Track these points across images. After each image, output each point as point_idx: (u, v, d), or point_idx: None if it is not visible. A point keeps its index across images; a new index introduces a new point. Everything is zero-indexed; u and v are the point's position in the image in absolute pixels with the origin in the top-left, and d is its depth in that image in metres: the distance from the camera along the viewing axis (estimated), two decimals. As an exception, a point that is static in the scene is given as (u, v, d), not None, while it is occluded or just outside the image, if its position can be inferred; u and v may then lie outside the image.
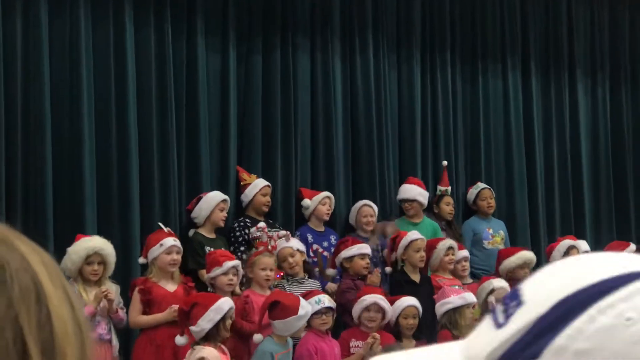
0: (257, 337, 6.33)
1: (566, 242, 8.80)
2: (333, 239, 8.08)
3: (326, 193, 8.09)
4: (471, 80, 9.68)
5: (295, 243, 7.39)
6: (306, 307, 6.35)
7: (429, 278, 7.86)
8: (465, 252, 8.30)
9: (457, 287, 7.67)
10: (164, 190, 7.41)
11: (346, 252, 7.53)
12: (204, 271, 6.83)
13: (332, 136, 8.44)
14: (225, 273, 6.58)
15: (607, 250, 9.32)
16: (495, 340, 0.83)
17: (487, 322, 0.87)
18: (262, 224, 7.44)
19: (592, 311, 0.79)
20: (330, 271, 7.72)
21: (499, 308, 0.86)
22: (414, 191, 8.55)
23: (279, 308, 6.29)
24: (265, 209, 7.75)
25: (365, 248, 7.59)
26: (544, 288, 0.84)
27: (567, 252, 8.67)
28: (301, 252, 7.37)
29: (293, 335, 6.42)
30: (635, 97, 10.95)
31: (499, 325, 0.84)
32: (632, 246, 9.64)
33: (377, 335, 6.87)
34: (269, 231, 7.49)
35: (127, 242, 7.05)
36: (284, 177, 8.14)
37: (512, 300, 0.85)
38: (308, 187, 8.27)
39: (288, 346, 6.42)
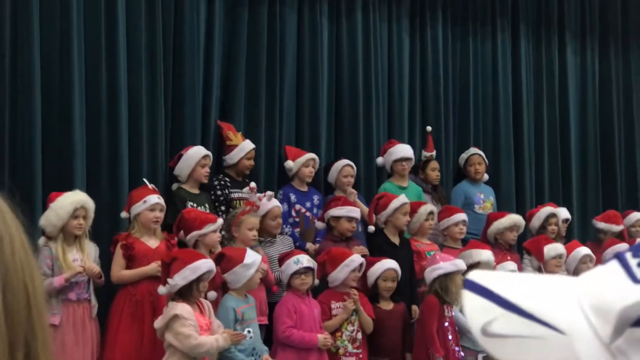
0: (210, 294, 6.49)
1: (546, 210, 9.08)
2: (316, 199, 8.25)
3: (310, 155, 8.20)
4: (461, 42, 9.86)
5: (277, 203, 7.58)
6: (253, 256, 6.50)
7: (409, 241, 8.09)
8: (463, 216, 8.53)
9: (434, 252, 7.86)
10: (152, 145, 7.53)
11: (335, 211, 7.73)
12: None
13: (318, 95, 8.57)
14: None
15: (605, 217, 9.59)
16: (632, 296, 0.84)
17: (615, 272, 0.88)
18: (253, 184, 7.54)
19: None
20: (319, 224, 7.91)
21: (634, 261, 0.87)
22: (408, 150, 8.75)
23: (225, 261, 6.49)
24: (247, 172, 7.89)
25: (354, 212, 7.77)
26: None
27: (547, 220, 8.92)
28: None
29: (249, 288, 6.54)
30: (625, 61, 11.14)
31: (636, 281, 0.85)
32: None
33: (356, 292, 7.13)
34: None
35: (116, 197, 7.17)
36: (267, 135, 8.25)
37: None
38: (292, 145, 8.39)
39: (249, 301, 6.57)
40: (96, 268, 6.42)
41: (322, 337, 6.79)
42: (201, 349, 5.94)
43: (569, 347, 0.87)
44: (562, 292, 0.92)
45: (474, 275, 0.97)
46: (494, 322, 0.92)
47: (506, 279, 0.96)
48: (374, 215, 7.97)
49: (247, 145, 7.83)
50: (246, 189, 7.58)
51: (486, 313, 0.93)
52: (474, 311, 0.94)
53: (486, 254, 7.91)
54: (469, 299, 0.95)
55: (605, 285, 0.88)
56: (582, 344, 0.87)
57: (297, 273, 6.89)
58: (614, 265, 0.90)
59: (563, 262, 8.53)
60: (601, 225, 9.84)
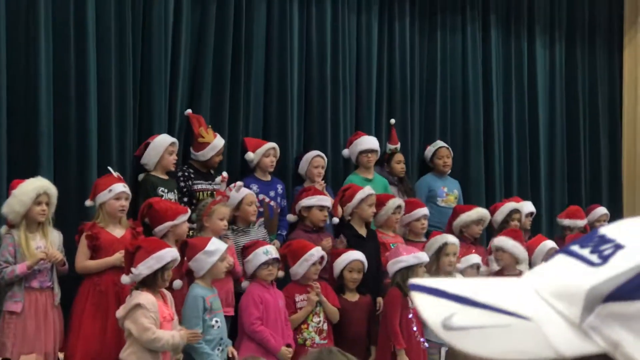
0: (176, 283, 6.52)
1: (509, 205, 9.19)
2: (280, 188, 8.27)
3: (270, 144, 8.19)
4: (430, 33, 9.90)
5: (249, 190, 7.63)
6: (217, 244, 6.52)
7: (375, 233, 8.14)
8: (425, 210, 8.55)
9: (397, 244, 7.90)
10: (121, 133, 7.50)
11: (306, 201, 7.79)
12: None
13: (287, 85, 8.58)
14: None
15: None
16: (597, 277, 0.90)
17: (568, 262, 0.94)
18: (225, 174, 7.58)
19: None
20: (290, 217, 7.97)
21: (585, 251, 0.93)
22: (374, 142, 8.79)
23: (189, 248, 6.52)
24: (215, 166, 7.89)
25: (325, 200, 7.83)
26: None
27: (510, 215, 8.99)
28: None
29: (213, 277, 6.55)
30: (590, 57, 11.28)
31: (594, 264, 0.91)
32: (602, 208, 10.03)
33: (318, 285, 7.19)
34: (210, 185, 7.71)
35: (84, 184, 7.12)
36: (231, 126, 8.25)
37: (603, 244, 0.93)
38: (259, 136, 8.40)
39: (214, 291, 6.59)
40: (59, 255, 6.41)
41: (286, 351, 6.81)
42: (157, 343, 5.94)
43: (537, 331, 0.90)
44: (515, 286, 0.96)
45: (417, 280, 0.98)
46: (453, 316, 0.93)
47: (451, 281, 0.98)
48: (339, 207, 8.00)
49: (219, 143, 7.83)
50: (218, 178, 7.60)
51: (443, 309, 0.94)
52: (430, 309, 0.95)
53: (451, 238, 7.98)
54: (420, 298, 0.96)
55: (562, 274, 0.93)
56: (551, 326, 0.90)
57: (265, 264, 6.92)
58: (563, 258, 0.95)
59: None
60: (566, 222, 9.95)
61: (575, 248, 0.95)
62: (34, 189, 6.37)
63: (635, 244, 0.92)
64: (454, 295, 0.95)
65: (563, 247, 0.98)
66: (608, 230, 0.95)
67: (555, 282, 0.92)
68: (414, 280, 0.98)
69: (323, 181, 8.39)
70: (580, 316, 0.90)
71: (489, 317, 0.93)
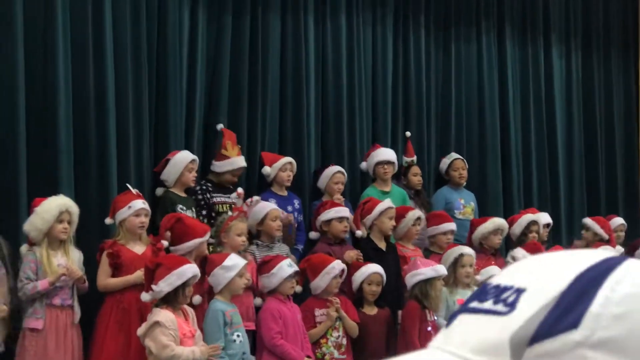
0: (196, 298, 6.54)
1: (527, 217, 9.16)
2: (296, 203, 8.28)
3: (287, 159, 8.22)
4: (445, 44, 9.92)
5: (274, 205, 7.68)
6: (235, 260, 6.55)
7: (395, 246, 8.15)
8: (452, 226, 8.58)
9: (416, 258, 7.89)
10: (138, 149, 7.53)
11: (324, 215, 7.81)
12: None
13: (302, 99, 8.61)
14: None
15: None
16: (513, 324, 0.89)
17: (474, 319, 0.93)
18: (240, 190, 7.61)
19: (608, 284, 0.88)
20: (313, 234, 8.00)
21: (487, 304, 0.92)
22: (390, 154, 8.82)
23: (208, 264, 6.56)
24: (231, 183, 7.90)
25: (343, 211, 7.86)
26: (540, 273, 0.93)
27: (528, 227, 8.97)
28: None
29: (232, 292, 6.56)
30: (606, 66, 11.27)
31: (503, 313, 0.90)
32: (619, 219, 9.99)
33: (338, 300, 7.18)
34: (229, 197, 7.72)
35: (104, 202, 7.13)
36: (249, 141, 8.27)
37: (503, 292, 0.92)
38: (276, 150, 8.42)
39: (234, 307, 6.60)
40: (79, 272, 6.43)
41: None
42: (176, 359, 5.94)
43: None
44: (425, 357, 0.96)
45: None
46: None
47: None
48: (360, 220, 8.02)
49: (238, 162, 7.86)
50: (233, 194, 7.62)
51: None
52: None
53: (467, 249, 8.00)
54: None
55: (476, 331, 0.93)
56: None
57: (289, 277, 6.92)
58: (466, 317, 0.95)
59: None
60: (588, 221, 9.90)
61: (475, 305, 0.94)
62: (57, 206, 6.41)
63: (533, 283, 0.92)
64: None
65: (460, 308, 0.96)
66: (500, 279, 0.95)
67: (472, 339, 0.92)
68: None
69: (342, 197, 8.41)
70: None
71: None
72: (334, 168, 8.50)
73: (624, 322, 0.86)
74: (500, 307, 0.91)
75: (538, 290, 0.91)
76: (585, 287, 0.89)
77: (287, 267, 6.91)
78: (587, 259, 0.92)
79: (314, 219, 8.00)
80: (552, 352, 0.88)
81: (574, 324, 0.87)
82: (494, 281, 0.95)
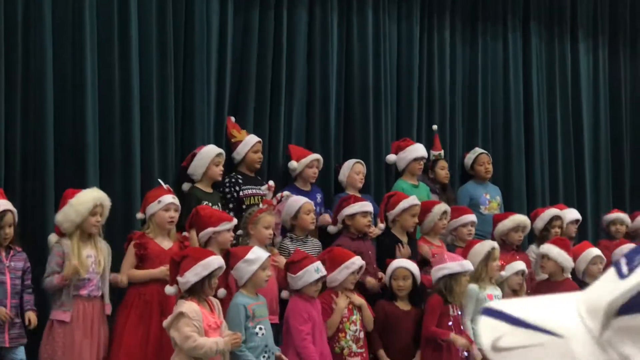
0: (220, 291, 6.55)
1: (550, 212, 9.12)
2: (319, 197, 8.30)
3: (315, 156, 8.24)
4: (471, 41, 9.93)
5: (307, 199, 7.72)
6: (258, 253, 6.55)
7: (416, 241, 8.17)
8: (473, 217, 8.58)
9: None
10: (163, 144, 7.60)
11: (348, 210, 7.82)
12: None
13: (328, 93, 8.65)
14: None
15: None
16: (617, 289, 0.90)
17: (610, 274, 0.94)
18: (271, 183, 7.66)
19: None
20: (332, 228, 8.00)
21: (623, 261, 0.94)
22: (424, 150, 8.86)
23: (231, 257, 6.56)
24: (258, 166, 7.95)
25: (368, 206, 7.87)
26: None
27: (551, 222, 8.97)
28: None
29: (255, 286, 6.55)
30: (633, 62, 11.22)
31: (622, 276, 0.91)
32: None
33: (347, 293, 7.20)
34: (260, 189, 7.76)
35: (128, 196, 7.24)
36: (273, 134, 8.34)
37: (637, 254, 0.93)
38: (302, 144, 8.46)
39: (260, 299, 6.61)
40: (82, 273, 6.36)
41: None
42: (199, 350, 5.95)
43: (566, 348, 0.94)
44: (564, 303, 0.99)
45: (492, 304, 1.05)
46: (502, 337, 0.99)
47: (518, 301, 1.03)
48: (384, 214, 8.06)
49: (252, 139, 7.90)
50: (264, 187, 7.68)
51: (495, 331, 1.00)
52: (484, 331, 1.01)
53: (494, 243, 8.02)
54: (481, 321, 1.02)
55: (598, 289, 0.95)
56: (577, 343, 0.93)
57: (316, 281, 6.92)
58: (610, 271, 0.96)
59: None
60: (612, 216, 9.92)
61: (622, 260, 0.96)
62: (92, 199, 6.47)
63: None
64: (509, 316, 1.00)
65: (614, 262, 0.99)
66: None
67: (590, 297, 0.95)
68: (488, 304, 1.04)
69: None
70: (600, 330, 0.92)
71: (529, 337, 0.97)
72: (353, 160, 8.53)
73: None
74: (625, 269, 0.92)
75: None
76: None
77: (314, 272, 6.87)
78: None
79: (335, 212, 8.00)
80: (635, 328, 0.89)
81: None
82: None
